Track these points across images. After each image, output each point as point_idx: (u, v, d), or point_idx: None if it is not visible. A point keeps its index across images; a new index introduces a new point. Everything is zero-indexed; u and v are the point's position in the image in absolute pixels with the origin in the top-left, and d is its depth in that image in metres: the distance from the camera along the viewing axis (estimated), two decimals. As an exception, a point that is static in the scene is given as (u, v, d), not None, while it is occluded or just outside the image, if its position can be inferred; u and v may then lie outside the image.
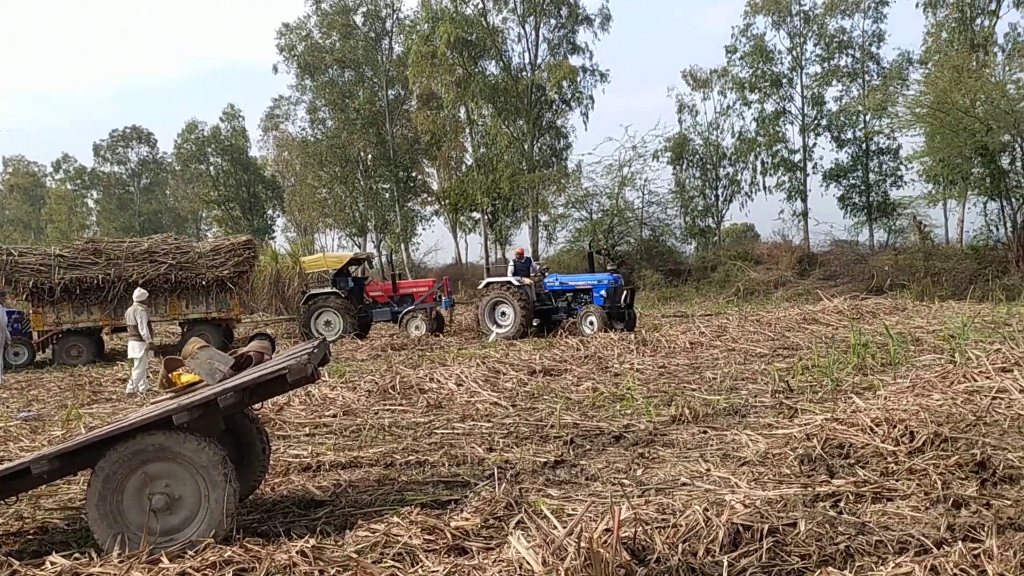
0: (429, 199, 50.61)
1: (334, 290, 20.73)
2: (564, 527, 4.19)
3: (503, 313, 19.49)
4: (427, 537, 4.59)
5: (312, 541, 4.48)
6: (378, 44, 45.21)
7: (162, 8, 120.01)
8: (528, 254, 20.98)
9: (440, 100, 40.54)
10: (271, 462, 6.78)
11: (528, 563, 3.85)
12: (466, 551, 4.43)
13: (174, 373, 5.85)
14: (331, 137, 45.47)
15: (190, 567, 4.28)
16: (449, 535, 4.59)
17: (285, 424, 9.05)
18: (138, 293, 13.92)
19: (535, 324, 19.65)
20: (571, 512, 5.06)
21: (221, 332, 20.03)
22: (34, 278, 18.92)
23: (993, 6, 32.57)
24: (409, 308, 20.69)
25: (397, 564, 4.27)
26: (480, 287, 20.85)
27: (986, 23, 32.88)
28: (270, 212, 58.37)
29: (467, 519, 4.79)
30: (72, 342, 19.52)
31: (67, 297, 19.20)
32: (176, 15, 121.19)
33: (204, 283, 19.83)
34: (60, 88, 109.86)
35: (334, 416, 9.41)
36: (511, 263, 20.84)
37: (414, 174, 48.78)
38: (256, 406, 7.83)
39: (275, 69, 45.88)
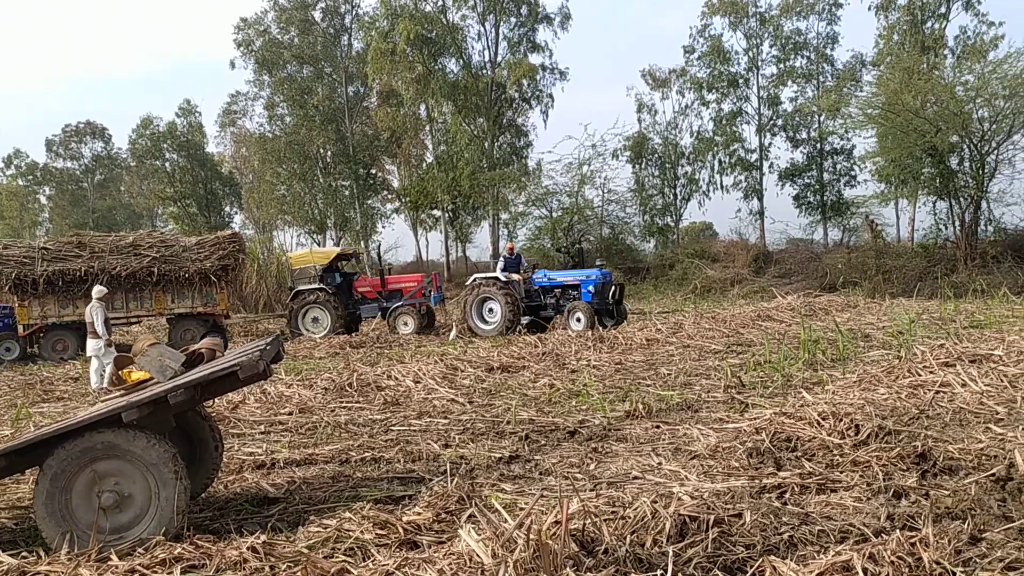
0: (389, 196, 50.40)
1: (321, 286, 20.43)
2: (515, 520, 4.24)
3: (490, 310, 19.16)
4: (379, 532, 4.62)
5: (263, 537, 4.48)
6: (337, 40, 44.90)
7: (116, 0, 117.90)
8: (506, 251, 20.52)
9: (400, 97, 40.40)
10: (225, 460, 6.75)
11: (478, 555, 3.90)
12: (417, 545, 4.47)
13: (124, 371, 5.80)
14: (290, 133, 45.07)
15: (139, 564, 4.26)
16: (401, 529, 4.63)
17: (240, 422, 8.99)
18: (96, 290, 13.73)
19: (524, 322, 19.20)
20: (524, 506, 5.11)
21: (208, 327, 19.96)
22: (17, 270, 19.08)
23: (943, 9, 33.34)
24: (397, 304, 20.33)
25: (348, 559, 4.29)
26: (467, 283, 20.43)
27: (936, 26, 33.67)
28: (227, 209, 57.65)
29: (419, 513, 4.83)
30: (57, 336, 19.56)
31: (50, 290, 19.28)
32: (131, 8, 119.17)
33: (187, 276, 19.76)
34: (10, 82, 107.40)
35: (290, 414, 9.37)
36: (501, 258, 20.44)
37: (374, 171, 48.54)
38: (209, 404, 7.79)
39: (232, 64, 45.39)
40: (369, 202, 48.19)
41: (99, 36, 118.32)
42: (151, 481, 4.78)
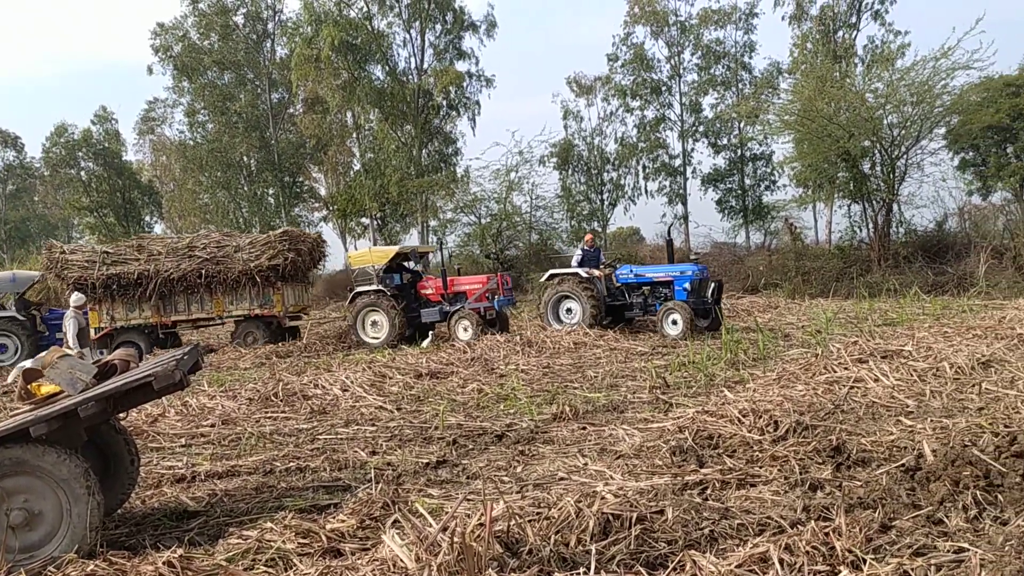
0: (316, 205, 49.75)
1: (380, 288, 18.66)
2: (439, 524, 4.23)
3: (568, 309, 17.18)
4: (302, 541, 4.55)
5: (180, 551, 4.37)
6: (260, 46, 44.17)
7: (25, 2, 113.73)
8: (585, 243, 18.46)
9: (326, 104, 39.96)
10: (142, 474, 6.56)
11: (401, 560, 3.88)
12: (341, 553, 4.42)
13: (33, 384, 5.58)
14: (211, 141, 44.11)
15: (50, 584, 4.12)
16: (324, 538, 4.57)
17: (159, 435, 8.75)
18: (74, 298, 13.21)
19: (606, 322, 17.15)
20: (450, 510, 5.11)
21: (272, 330, 19.47)
22: (79, 273, 19.09)
23: (853, 19, 34.59)
24: (457, 307, 18.42)
25: (269, 569, 4.23)
26: (542, 280, 18.48)
27: (846, 35, 34.91)
28: (147, 219, 56.07)
29: (343, 521, 4.78)
30: (127, 339, 19.26)
31: (108, 294, 19.19)
32: (41, 10, 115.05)
33: (235, 278, 19.18)
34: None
35: (212, 426, 9.16)
36: (578, 252, 18.25)
37: (300, 179, 47.86)
38: (125, 417, 7.56)
39: (150, 70, 44.22)
40: (296, 210, 47.49)
41: (8, 39, 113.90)
42: (62, 498, 4.62)
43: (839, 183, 29.33)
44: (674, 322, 15.90)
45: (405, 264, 19.92)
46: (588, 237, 18.58)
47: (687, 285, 16.38)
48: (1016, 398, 7.41)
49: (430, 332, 18.47)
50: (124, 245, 20.28)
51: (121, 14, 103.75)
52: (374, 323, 18.62)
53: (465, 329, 17.64)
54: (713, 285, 17.04)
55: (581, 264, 17.56)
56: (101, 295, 19.29)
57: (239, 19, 43.82)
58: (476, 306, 18.17)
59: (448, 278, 19.17)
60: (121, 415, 6.02)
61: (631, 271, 17.65)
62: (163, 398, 8.76)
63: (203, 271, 19.28)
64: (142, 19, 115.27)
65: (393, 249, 19.47)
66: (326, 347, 18.57)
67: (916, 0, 53.40)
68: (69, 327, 12.79)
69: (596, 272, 17.33)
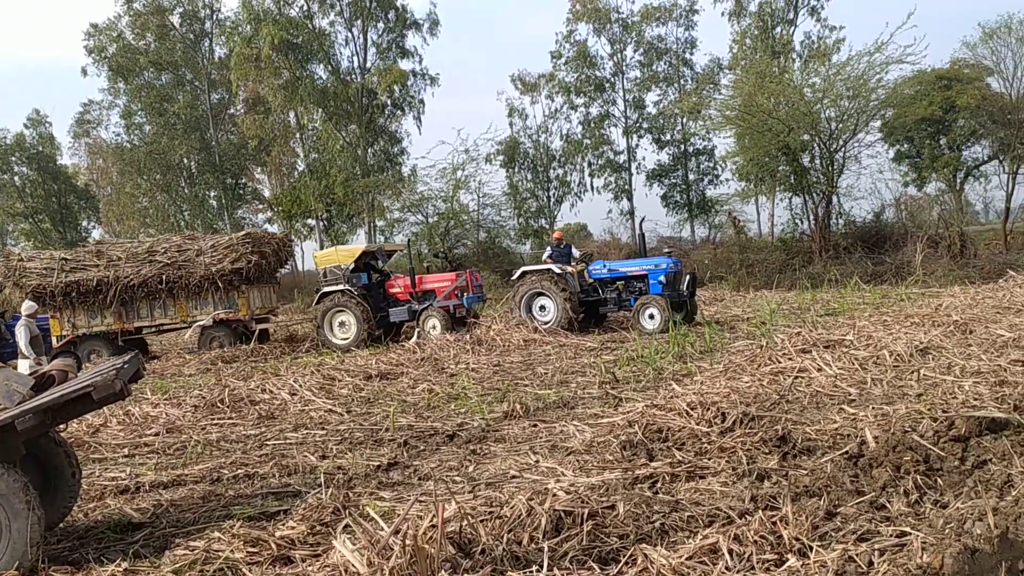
0: (260, 206, 49.02)
1: (347, 287, 18.14)
2: (390, 527, 4.20)
3: (542, 307, 16.79)
4: (251, 550, 4.48)
5: (125, 564, 4.28)
6: (198, 46, 43.33)
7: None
8: (553, 240, 18.09)
9: (267, 104, 39.37)
10: (84, 486, 6.39)
11: (353, 566, 3.85)
12: (291, 560, 4.36)
13: (-33, 398, 5.39)
14: (149, 143, 43.16)
15: (-12, 604, 3.99)
16: (274, 545, 4.50)
17: (101, 446, 8.53)
18: (25, 306, 12.84)
19: (580, 318, 16.80)
20: (402, 513, 5.08)
21: (238, 335, 18.91)
22: (38, 281, 18.70)
23: (791, 15, 35.26)
24: (425, 305, 17.89)
25: (218, 579, 4.15)
26: (514, 277, 17.88)
27: (784, 31, 35.58)
28: (85, 223, 54.68)
29: (293, 528, 4.72)
30: (91, 347, 18.92)
31: (67, 301, 18.76)
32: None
33: (197, 282, 18.63)
34: None
35: (156, 435, 8.96)
36: (548, 249, 18.01)
37: (243, 180, 47.08)
38: (65, 428, 7.37)
39: (84, 72, 43.10)
40: (239, 212, 46.72)
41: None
42: (0, 513, 4.47)
43: (780, 176, 29.92)
44: (651, 316, 15.72)
45: (372, 263, 19.53)
46: (557, 235, 18.39)
47: (662, 278, 16.21)
48: (953, 384, 7.63)
49: (337, 337, 17.93)
50: (83, 251, 19.77)
51: (54, 13, 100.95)
52: (341, 324, 18.19)
53: (434, 327, 17.20)
54: (688, 277, 16.95)
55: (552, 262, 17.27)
56: (61, 303, 18.84)
57: (175, 19, 42.94)
58: (445, 304, 17.82)
59: (416, 276, 18.71)
60: (61, 427, 5.85)
61: (604, 266, 17.43)
62: (104, 408, 8.56)
63: (164, 276, 18.82)
64: (74, 19, 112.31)
65: (359, 248, 19.10)
66: (274, 351, 18.27)
67: (850, -4, 54.38)
68: (21, 335, 12.49)
69: (569, 268, 17.09)
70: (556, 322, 16.37)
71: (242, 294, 19.07)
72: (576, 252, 18.13)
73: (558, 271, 16.79)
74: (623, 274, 17.03)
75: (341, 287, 18.20)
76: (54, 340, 19.00)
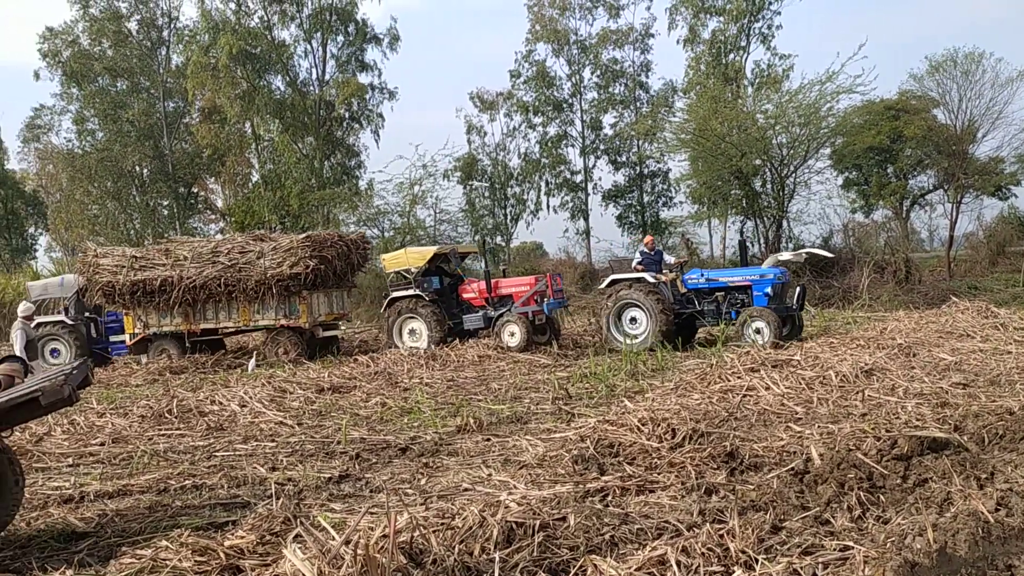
0: (213, 216, 48.36)
1: (417, 292, 17.13)
2: (341, 537, 4.19)
3: (633, 319, 15.51)
4: (199, 559, 4.42)
5: (70, 572, 4.20)
6: (154, 53, 42.74)
7: None
8: (644, 245, 16.88)
9: (223, 114, 38.95)
10: (26, 495, 6.24)
11: (303, 575, 3.83)
12: (241, 570, 4.32)
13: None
14: (101, 150, 42.34)
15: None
16: (223, 555, 4.45)
17: (45, 455, 8.33)
18: (22, 308, 12.29)
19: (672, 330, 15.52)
20: (353, 523, 5.06)
21: (304, 341, 17.71)
22: (108, 278, 18.20)
23: (744, 43, 36.00)
24: (502, 311, 16.69)
25: (165, 589, 4.10)
26: (601, 287, 16.66)
27: (737, 58, 36.32)
28: (31, 230, 53.37)
29: (242, 537, 4.66)
30: (161, 346, 18.44)
31: (134, 300, 18.17)
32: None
33: (252, 287, 17.50)
34: None
35: (102, 444, 8.78)
36: (637, 255, 16.73)
37: (196, 190, 46.43)
38: (8, 435, 7.19)
39: (36, 76, 42.20)
40: (191, 222, 46.02)
41: None
42: (-62, 522, 4.36)
43: (732, 200, 30.43)
44: (758, 330, 14.33)
45: (443, 266, 18.50)
46: (648, 239, 17.23)
47: (769, 290, 14.98)
48: (897, 404, 7.86)
49: (254, 355, 17.40)
50: (153, 249, 19.30)
51: (7, 14, 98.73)
52: (412, 331, 17.20)
53: (512, 335, 15.98)
54: (798, 290, 15.72)
55: (643, 270, 16.07)
56: (128, 301, 18.22)
57: (132, 25, 42.31)
58: (524, 310, 16.49)
59: (492, 280, 17.55)
60: (4, 433, 5.72)
61: (702, 275, 16.07)
62: (48, 416, 8.38)
63: (223, 278, 17.81)
64: (25, 21, 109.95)
65: (431, 249, 17.87)
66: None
67: (801, 26, 55.97)
68: (16, 338, 11.94)
69: (663, 277, 15.88)
70: (649, 336, 15.17)
71: (303, 300, 17.79)
72: (669, 259, 17.07)
73: (652, 280, 15.51)
74: (724, 284, 15.67)
75: (412, 292, 17.22)
76: (127, 338, 18.72)
